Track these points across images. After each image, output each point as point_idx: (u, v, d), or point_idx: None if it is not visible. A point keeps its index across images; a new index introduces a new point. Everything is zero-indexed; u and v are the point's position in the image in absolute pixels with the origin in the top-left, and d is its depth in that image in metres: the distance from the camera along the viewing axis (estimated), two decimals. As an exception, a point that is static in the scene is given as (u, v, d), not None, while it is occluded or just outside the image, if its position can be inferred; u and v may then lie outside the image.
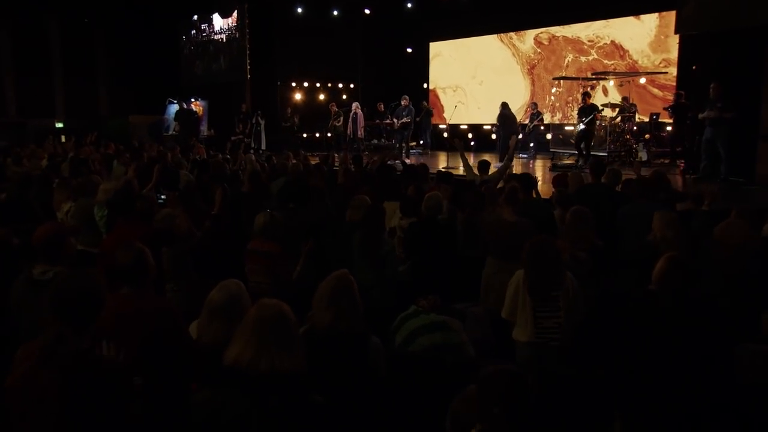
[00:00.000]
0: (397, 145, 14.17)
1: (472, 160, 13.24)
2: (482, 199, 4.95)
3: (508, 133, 12.36)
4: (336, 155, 10.42)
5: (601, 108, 11.55)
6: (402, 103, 13.16)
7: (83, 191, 5.21)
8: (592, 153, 11.34)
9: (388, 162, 8.87)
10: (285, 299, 2.57)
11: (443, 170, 7.73)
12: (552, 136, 14.52)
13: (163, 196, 4.17)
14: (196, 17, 19.22)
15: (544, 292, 3.47)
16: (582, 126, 11.15)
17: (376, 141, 15.67)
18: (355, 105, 14.38)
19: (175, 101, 17.12)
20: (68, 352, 1.98)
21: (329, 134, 15.76)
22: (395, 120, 13.26)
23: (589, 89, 13.26)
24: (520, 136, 10.96)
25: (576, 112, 13.65)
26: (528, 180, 5.43)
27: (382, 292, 4.17)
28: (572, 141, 12.57)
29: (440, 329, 3.36)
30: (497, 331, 3.87)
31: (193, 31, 19.44)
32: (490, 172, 7.33)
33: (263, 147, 15.98)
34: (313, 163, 9.07)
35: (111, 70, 19.73)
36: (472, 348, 3.49)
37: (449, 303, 4.09)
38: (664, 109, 10.91)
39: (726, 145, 8.42)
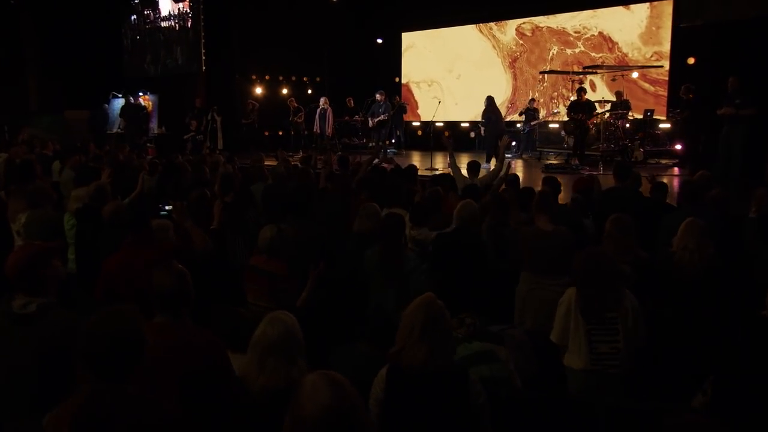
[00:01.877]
0: (372, 145, 13.99)
1: (448, 159, 13.36)
2: (507, 207, 4.77)
3: (495, 130, 12.31)
4: (320, 156, 10.12)
5: (596, 107, 11.60)
6: (377, 98, 12.96)
7: (37, 200, 4.79)
8: (586, 153, 11.39)
9: (381, 164, 8.66)
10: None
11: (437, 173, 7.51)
12: (537, 134, 14.63)
13: (167, 207, 3.84)
14: (137, 0, 18.60)
15: (600, 313, 3.31)
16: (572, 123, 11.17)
17: (346, 140, 15.47)
18: (323, 100, 14.11)
19: (120, 95, 16.48)
20: (109, 413, 1.68)
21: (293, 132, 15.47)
22: (370, 118, 13.03)
23: (578, 84, 13.36)
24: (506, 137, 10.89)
25: (563, 108, 13.86)
26: (556, 185, 5.30)
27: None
28: (566, 139, 12.63)
29: (487, 360, 3.15)
30: (539, 356, 3.70)
31: (133, 17, 18.76)
32: (480, 175, 7.21)
33: (220, 146, 15.52)
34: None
35: (41, 59, 18.80)
36: (519, 379, 3.30)
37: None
38: (676, 108, 10.94)
39: (741, 145, 8.48)
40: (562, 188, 5.94)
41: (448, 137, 8.38)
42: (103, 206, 4.27)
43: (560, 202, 6.00)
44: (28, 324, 2.48)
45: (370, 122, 12.93)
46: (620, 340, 3.29)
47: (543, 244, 4.15)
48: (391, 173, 6.90)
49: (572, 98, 12.25)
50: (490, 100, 12.45)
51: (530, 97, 14.96)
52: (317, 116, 14.15)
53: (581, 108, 11.11)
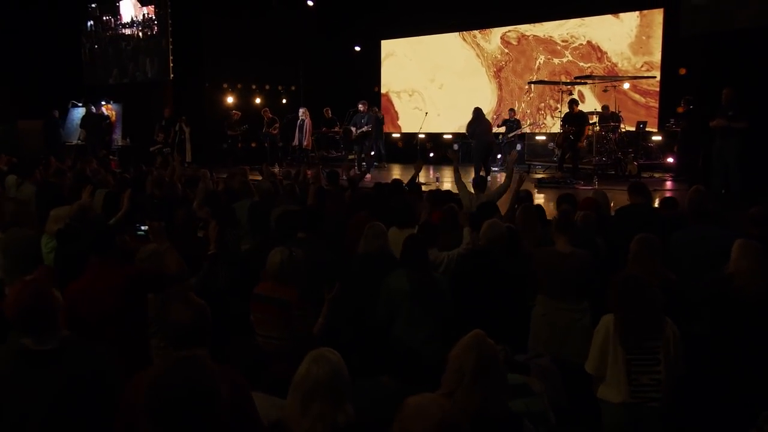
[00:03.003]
0: (353, 157, 13.88)
1: (431, 173, 13.35)
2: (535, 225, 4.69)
3: (482, 143, 12.28)
4: (309, 171, 9.95)
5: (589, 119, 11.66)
6: (360, 108, 12.85)
7: (17, 218, 4.55)
8: (579, 166, 11.43)
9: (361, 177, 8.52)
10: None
11: (437, 189, 7.41)
12: (523, 147, 14.67)
13: (143, 227, 3.65)
14: (94, 5, 18.25)
15: (641, 341, 3.21)
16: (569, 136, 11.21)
17: (324, 152, 15.31)
18: (302, 111, 13.99)
19: (81, 104, 16.09)
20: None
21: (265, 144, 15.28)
22: (352, 128, 12.92)
23: (568, 95, 13.46)
24: (514, 151, 10.86)
25: (550, 119, 13.95)
26: (575, 203, 5.23)
27: (437, 346, 3.79)
28: (555, 152, 12.66)
29: (522, 394, 3.02)
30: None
31: (90, 23, 18.39)
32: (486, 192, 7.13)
33: (188, 159, 15.23)
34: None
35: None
36: (553, 414, 3.18)
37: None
38: (678, 117, 11.04)
39: (736, 158, 8.56)
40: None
41: (456, 151, 8.33)
42: (87, 227, 4.05)
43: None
44: (52, 363, 2.31)
45: (354, 132, 12.80)
46: (662, 370, 3.20)
47: (561, 266, 4.06)
48: (393, 189, 6.77)
49: (558, 109, 12.34)
50: (477, 112, 12.42)
51: (511, 108, 15.00)
52: (297, 128, 13.98)
53: (574, 120, 11.15)
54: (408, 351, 3.12)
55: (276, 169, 11.73)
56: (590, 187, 10.57)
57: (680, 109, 10.88)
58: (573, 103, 11.41)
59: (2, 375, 2.32)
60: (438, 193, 6.64)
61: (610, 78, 13.08)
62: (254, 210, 6.29)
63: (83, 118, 15.34)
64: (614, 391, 3.26)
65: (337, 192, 7.14)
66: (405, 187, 6.90)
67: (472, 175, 12.23)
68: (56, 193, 6.68)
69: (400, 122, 18.12)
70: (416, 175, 7.53)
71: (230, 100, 16.68)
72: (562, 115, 11.84)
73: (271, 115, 14.71)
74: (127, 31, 17.38)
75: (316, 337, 3.46)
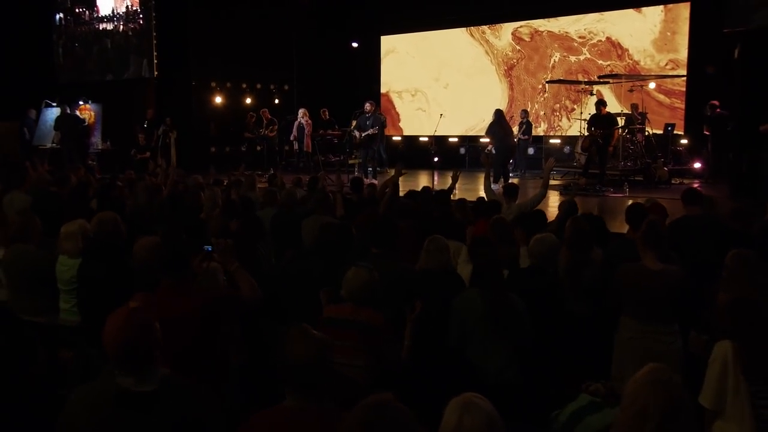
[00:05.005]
0: (354, 162, 13.74)
1: (436, 179, 13.21)
2: (587, 238, 4.55)
3: (503, 148, 12.20)
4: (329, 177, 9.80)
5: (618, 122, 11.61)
6: (366, 108, 12.70)
7: (22, 233, 4.34)
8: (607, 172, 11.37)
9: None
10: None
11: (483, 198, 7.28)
12: (540, 151, 14.64)
13: (207, 247, 3.45)
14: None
15: (765, 371, 3.07)
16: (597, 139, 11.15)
17: (321, 156, 15.12)
18: (302, 112, 13.84)
19: (55, 104, 15.75)
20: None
21: (258, 147, 15.09)
22: (357, 132, 12.75)
23: (587, 95, 13.43)
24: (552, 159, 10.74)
25: (566, 121, 13.86)
26: (664, 213, 5.11)
27: (514, 372, 3.67)
28: (577, 157, 12.61)
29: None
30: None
31: (59, 16, 18.06)
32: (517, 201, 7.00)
33: (174, 165, 14.97)
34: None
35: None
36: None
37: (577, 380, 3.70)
38: (704, 122, 11.02)
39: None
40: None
41: (488, 158, 8.26)
42: (119, 243, 3.85)
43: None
44: (153, 406, 2.15)
45: (358, 136, 12.63)
46: (790, 404, 3.07)
47: (650, 285, 3.93)
48: (437, 199, 6.64)
49: (576, 110, 12.27)
50: (498, 114, 12.35)
51: (524, 109, 14.92)
52: (295, 129, 13.81)
53: (602, 123, 11.09)
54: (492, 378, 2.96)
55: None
56: (621, 195, 10.53)
57: (719, 110, 10.86)
58: (600, 104, 11.35)
59: (99, 420, 2.13)
60: (483, 203, 6.50)
61: (637, 77, 13.05)
62: (279, 220, 6.12)
63: (57, 120, 14.96)
64: (736, 427, 3.11)
65: (362, 201, 6.98)
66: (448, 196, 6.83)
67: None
68: (57, 204, 6.45)
69: (401, 124, 18.01)
70: (454, 185, 7.46)
71: (219, 99, 16.47)
72: (588, 117, 11.75)
73: (270, 116, 14.52)
74: (106, 25, 17.09)
75: (405, 362, 3.32)
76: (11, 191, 7.61)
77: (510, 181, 11.52)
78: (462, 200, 7.66)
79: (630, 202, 9.86)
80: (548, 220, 6.32)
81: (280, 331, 3.99)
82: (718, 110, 11.24)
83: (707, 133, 11.19)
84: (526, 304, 3.87)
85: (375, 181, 11.52)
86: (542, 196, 6.73)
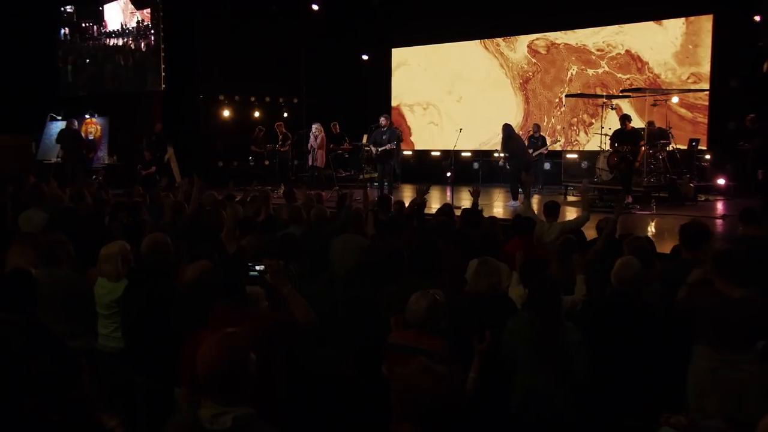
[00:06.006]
0: (369, 176, 13.66)
1: (449, 195, 13.10)
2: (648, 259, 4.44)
3: (518, 164, 12.10)
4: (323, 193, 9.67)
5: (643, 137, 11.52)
6: (381, 123, 12.61)
7: (52, 254, 4.22)
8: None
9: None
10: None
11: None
12: (558, 166, 14.51)
13: (257, 267, 3.33)
14: (71, 8, 17.95)
15: None
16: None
17: (331, 171, 15.04)
18: (316, 126, 13.73)
19: (60, 117, 15.69)
20: None
21: (266, 161, 15.04)
22: (372, 147, 12.67)
23: (607, 109, 13.34)
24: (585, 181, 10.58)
25: (584, 135, 13.75)
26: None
27: (566, 400, 3.55)
28: (598, 172, 12.52)
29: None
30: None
31: (64, 31, 18.07)
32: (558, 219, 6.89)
33: (177, 180, 14.87)
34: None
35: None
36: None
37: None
38: (743, 140, 10.88)
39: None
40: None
41: (528, 177, 8.21)
42: (165, 265, 3.73)
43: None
44: None
45: (374, 151, 12.54)
46: None
47: (732, 314, 3.79)
48: (466, 218, 6.52)
49: (593, 124, 12.17)
50: (508, 130, 12.29)
51: (536, 123, 14.77)
52: (313, 140, 13.74)
53: (628, 138, 11.00)
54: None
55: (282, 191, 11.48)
56: (648, 212, 10.43)
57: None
58: (625, 119, 11.25)
59: None
60: (518, 220, 6.38)
61: (661, 91, 12.95)
62: (308, 240, 5.99)
63: (60, 134, 14.89)
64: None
65: (392, 219, 6.86)
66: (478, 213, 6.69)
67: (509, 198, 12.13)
68: (74, 221, 6.33)
69: (413, 138, 17.94)
70: (476, 201, 7.33)
71: (226, 113, 16.43)
72: (611, 133, 11.66)
73: (284, 131, 14.46)
74: (114, 39, 17.11)
75: (470, 395, 3.19)
76: (30, 208, 7.51)
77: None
78: (493, 218, 7.57)
79: (655, 220, 9.89)
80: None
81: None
82: (758, 124, 11.05)
83: (747, 146, 11.00)
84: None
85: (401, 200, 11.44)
86: (586, 218, 6.60)
